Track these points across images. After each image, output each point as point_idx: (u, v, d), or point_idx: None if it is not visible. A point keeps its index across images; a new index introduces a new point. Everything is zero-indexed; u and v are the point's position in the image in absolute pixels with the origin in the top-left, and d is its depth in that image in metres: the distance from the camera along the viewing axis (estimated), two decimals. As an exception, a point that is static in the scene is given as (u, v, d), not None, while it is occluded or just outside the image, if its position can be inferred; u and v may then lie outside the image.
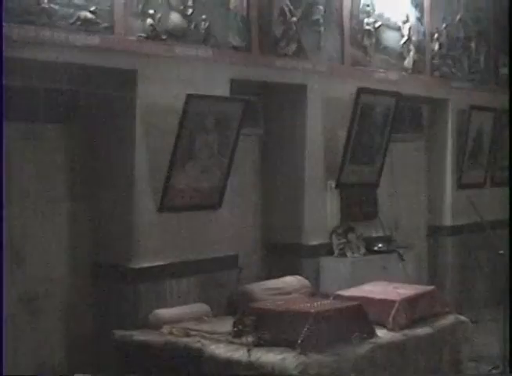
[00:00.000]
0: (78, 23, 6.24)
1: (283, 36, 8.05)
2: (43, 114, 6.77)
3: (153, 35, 6.80)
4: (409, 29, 9.76)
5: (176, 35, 7.00)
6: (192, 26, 7.13)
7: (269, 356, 5.61)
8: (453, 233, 10.58)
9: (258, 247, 8.57)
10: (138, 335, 6.38)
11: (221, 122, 7.20)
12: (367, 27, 9.10)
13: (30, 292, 6.63)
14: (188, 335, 6.21)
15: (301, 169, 8.42)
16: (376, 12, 9.23)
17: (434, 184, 10.71)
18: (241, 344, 5.81)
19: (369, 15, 9.12)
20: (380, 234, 9.08)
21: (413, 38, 9.85)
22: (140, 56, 6.71)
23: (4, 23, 5.60)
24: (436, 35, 10.29)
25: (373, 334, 6.13)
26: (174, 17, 6.99)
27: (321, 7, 8.46)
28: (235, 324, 6.03)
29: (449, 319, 6.93)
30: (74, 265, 6.96)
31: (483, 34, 11.18)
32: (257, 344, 5.76)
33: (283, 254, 8.42)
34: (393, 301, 6.53)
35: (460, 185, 10.66)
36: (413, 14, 9.88)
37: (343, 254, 8.51)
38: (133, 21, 6.66)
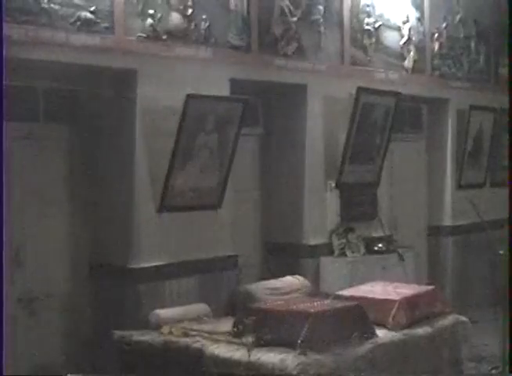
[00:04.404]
0: (78, 23, 6.24)
1: (283, 36, 8.05)
2: (43, 114, 6.78)
3: (153, 35, 6.80)
4: (409, 29, 9.77)
5: (176, 35, 7.00)
6: (192, 26, 7.13)
7: (269, 356, 5.61)
8: (453, 233, 10.59)
9: (258, 247, 8.58)
10: (138, 335, 6.38)
11: (221, 122, 7.20)
12: (367, 27, 9.10)
13: (30, 292, 6.63)
14: (188, 335, 6.21)
15: (301, 169, 8.42)
16: (377, 12, 9.24)
17: (434, 184, 10.72)
18: (241, 344, 5.81)
19: (369, 15, 9.13)
20: (380, 234, 9.08)
21: (413, 38, 9.85)
22: (140, 56, 6.71)
23: (4, 23, 5.60)
24: (436, 35, 10.30)
25: (373, 334, 6.13)
26: (174, 17, 6.99)
27: (321, 7, 8.47)
28: (235, 324, 6.03)
29: (449, 319, 6.92)
30: (74, 265, 6.97)
31: (483, 34, 11.18)
32: (257, 344, 5.76)
33: (283, 254, 8.43)
34: (393, 301, 6.52)
35: (460, 185, 10.66)
36: (413, 14, 9.89)
37: (343, 254, 8.51)
38: (133, 21, 6.67)
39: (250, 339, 5.77)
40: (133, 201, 6.79)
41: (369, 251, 8.76)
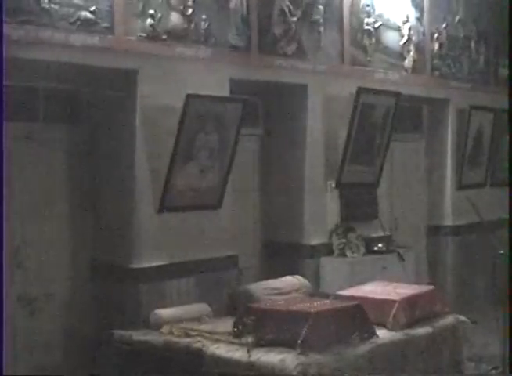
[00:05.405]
0: (78, 23, 6.24)
1: (283, 36, 8.05)
2: (43, 114, 6.78)
3: (153, 35, 6.80)
4: (409, 29, 9.77)
5: (176, 35, 7.00)
6: (192, 26, 7.13)
7: (269, 356, 5.61)
8: (453, 233, 10.58)
9: (258, 247, 8.58)
10: (138, 335, 6.38)
11: (221, 122, 7.20)
12: (367, 27, 9.10)
13: (30, 292, 6.62)
14: (188, 335, 6.21)
15: (301, 169, 8.42)
16: (376, 12, 9.24)
17: (434, 184, 10.72)
18: (241, 344, 5.81)
19: (369, 15, 9.13)
20: (380, 234, 9.07)
21: (413, 38, 9.86)
22: (140, 56, 6.71)
23: (4, 23, 5.60)
24: (436, 35, 10.30)
25: (373, 334, 6.13)
26: (174, 17, 6.99)
27: (321, 7, 8.47)
28: (235, 324, 6.03)
29: (449, 319, 6.93)
30: (74, 265, 6.96)
31: (483, 34, 11.19)
32: (257, 344, 5.76)
33: (283, 254, 8.43)
34: (393, 301, 6.52)
35: (460, 185, 10.66)
36: (413, 14, 9.89)
37: (343, 254, 8.52)
38: (133, 21, 6.67)
39: (250, 339, 5.77)
40: (133, 201, 6.79)
41: (369, 251, 8.76)
